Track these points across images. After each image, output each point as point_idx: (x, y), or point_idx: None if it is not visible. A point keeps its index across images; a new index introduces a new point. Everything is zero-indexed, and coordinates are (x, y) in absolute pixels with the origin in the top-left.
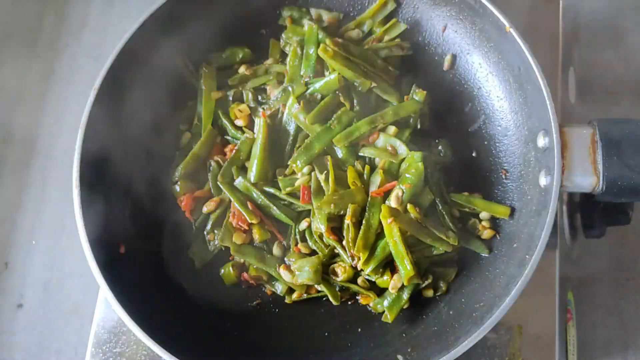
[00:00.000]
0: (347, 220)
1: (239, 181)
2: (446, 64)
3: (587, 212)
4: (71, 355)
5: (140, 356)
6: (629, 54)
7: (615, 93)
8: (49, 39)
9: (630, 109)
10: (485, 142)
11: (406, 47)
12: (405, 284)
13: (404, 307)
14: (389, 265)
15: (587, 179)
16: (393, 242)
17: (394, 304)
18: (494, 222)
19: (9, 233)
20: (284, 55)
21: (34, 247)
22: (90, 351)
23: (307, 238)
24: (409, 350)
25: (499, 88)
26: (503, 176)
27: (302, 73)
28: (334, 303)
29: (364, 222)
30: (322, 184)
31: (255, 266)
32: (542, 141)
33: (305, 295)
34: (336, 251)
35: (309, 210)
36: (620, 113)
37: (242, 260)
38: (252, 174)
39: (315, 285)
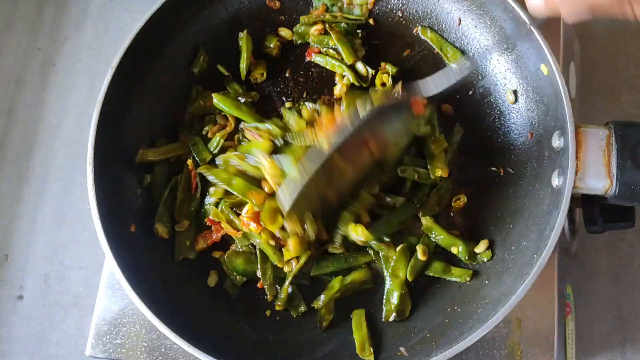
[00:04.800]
0: None
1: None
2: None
3: (590, 211)
4: (71, 347)
5: (140, 347)
6: (630, 48)
7: (615, 88)
8: (49, 31)
9: (630, 105)
10: (500, 140)
11: None
12: None
13: None
14: None
15: (601, 181)
16: None
17: None
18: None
19: (9, 225)
20: None
21: (35, 238)
22: (90, 343)
23: None
24: (412, 343)
25: (516, 85)
26: (516, 174)
27: None
28: None
29: None
30: None
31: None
32: (557, 141)
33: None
34: None
35: None
36: (620, 108)
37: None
38: None
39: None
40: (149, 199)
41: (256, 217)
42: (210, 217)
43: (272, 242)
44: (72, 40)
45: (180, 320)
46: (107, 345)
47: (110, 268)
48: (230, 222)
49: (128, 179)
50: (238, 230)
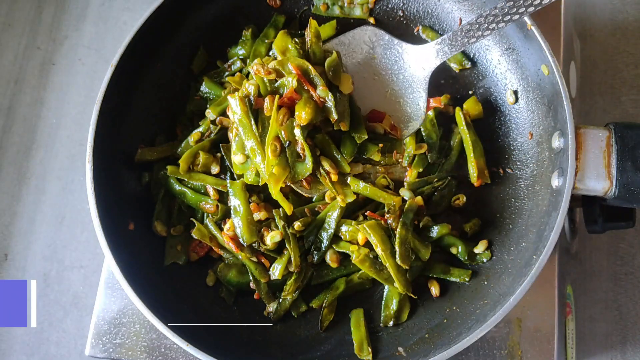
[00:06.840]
0: None
1: None
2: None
3: (590, 211)
4: (71, 347)
5: (140, 347)
6: (630, 48)
7: (615, 88)
8: (49, 31)
9: (630, 105)
10: (500, 140)
11: None
12: None
13: None
14: None
15: (600, 182)
16: None
17: None
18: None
19: (8, 224)
20: None
21: (34, 238)
22: (90, 342)
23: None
24: (410, 343)
25: (517, 86)
26: (515, 174)
27: None
28: None
29: None
30: None
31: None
32: (557, 142)
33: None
34: None
35: None
36: (620, 108)
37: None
38: None
39: None
40: (147, 197)
41: (234, 238)
42: (193, 233)
43: (254, 259)
44: (72, 40)
45: (179, 320)
46: (107, 345)
47: (110, 268)
48: (213, 239)
49: (127, 177)
50: (221, 247)
